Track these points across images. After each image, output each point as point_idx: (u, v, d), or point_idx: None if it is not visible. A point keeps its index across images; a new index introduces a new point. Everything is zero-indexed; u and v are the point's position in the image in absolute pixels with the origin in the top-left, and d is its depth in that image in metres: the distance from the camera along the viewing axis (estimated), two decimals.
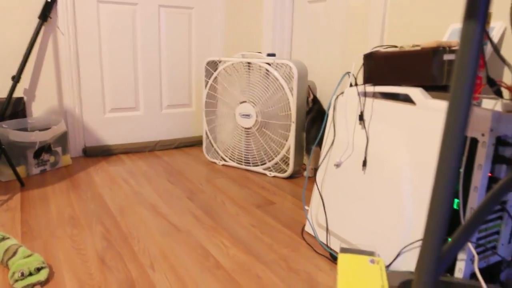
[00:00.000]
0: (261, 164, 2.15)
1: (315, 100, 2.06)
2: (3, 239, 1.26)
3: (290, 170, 2.03)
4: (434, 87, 1.18)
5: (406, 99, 1.20)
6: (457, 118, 0.53)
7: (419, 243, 1.05)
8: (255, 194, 1.85)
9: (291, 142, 1.99)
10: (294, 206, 1.73)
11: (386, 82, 1.25)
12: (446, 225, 0.53)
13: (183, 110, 2.75)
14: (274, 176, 2.11)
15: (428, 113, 1.08)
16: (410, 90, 1.14)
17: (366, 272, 0.91)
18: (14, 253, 1.20)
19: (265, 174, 2.14)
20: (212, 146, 2.35)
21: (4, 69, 2.17)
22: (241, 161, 2.22)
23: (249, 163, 2.20)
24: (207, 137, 2.35)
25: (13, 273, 1.12)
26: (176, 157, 2.47)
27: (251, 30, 2.51)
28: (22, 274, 1.11)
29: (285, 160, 2.06)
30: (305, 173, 2.11)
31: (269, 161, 2.11)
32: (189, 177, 2.08)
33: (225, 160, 2.30)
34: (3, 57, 2.16)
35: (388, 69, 1.23)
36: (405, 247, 1.08)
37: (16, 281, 1.11)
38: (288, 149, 2.01)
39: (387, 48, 1.30)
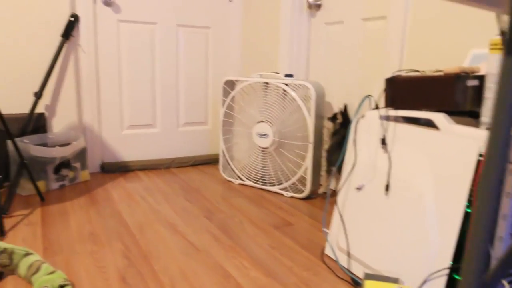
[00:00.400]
0: (278, 184, 2.15)
1: (344, 124, 2.02)
2: (27, 254, 1.27)
3: (307, 191, 2.03)
4: (456, 113, 1.18)
5: (428, 123, 1.21)
6: (498, 148, 0.54)
7: (446, 271, 1.04)
8: (273, 215, 1.85)
9: (308, 163, 2.00)
10: (311, 227, 1.72)
11: (408, 106, 1.25)
12: (488, 257, 0.53)
13: (199, 128, 2.78)
14: (291, 197, 2.11)
15: (452, 138, 1.08)
16: (433, 115, 1.15)
17: None
18: (38, 269, 1.21)
19: (281, 194, 2.14)
20: (229, 164, 2.37)
21: (27, 85, 2.22)
22: (258, 181, 2.23)
23: (266, 182, 2.20)
24: (224, 155, 2.37)
25: None
26: (192, 174, 2.48)
27: (268, 50, 2.55)
28: None
29: (302, 181, 2.07)
30: (326, 193, 2.11)
31: (286, 181, 2.11)
32: (206, 195, 2.09)
33: (241, 179, 2.31)
34: (26, 73, 2.21)
35: (410, 94, 1.24)
36: (431, 274, 1.07)
37: None
38: (306, 170, 2.02)
39: (408, 72, 1.31)
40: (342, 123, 2.03)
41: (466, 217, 1.06)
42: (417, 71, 1.29)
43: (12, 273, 1.27)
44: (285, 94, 2.06)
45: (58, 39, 2.25)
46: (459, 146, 1.06)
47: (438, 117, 1.12)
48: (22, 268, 1.23)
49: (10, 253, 1.25)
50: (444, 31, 1.57)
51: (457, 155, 1.06)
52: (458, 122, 1.12)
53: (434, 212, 1.10)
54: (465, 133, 1.05)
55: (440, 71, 1.20)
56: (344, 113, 2.03)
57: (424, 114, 1.18)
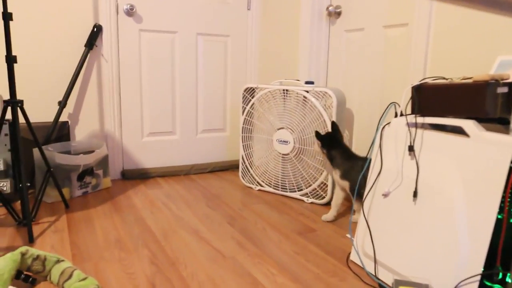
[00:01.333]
0: (298, 190, 2.16)
1: (328, 145, 1.84)
2: (58, 261, 1.30)
3: (328, 197, 2.03)
4: (485, 120, 1.18)
5: (455, 130, 1.21)
6: None
7: (478, 277, 1.04)
8: (295, 221, 1.85)
9: (329, 168, 2.00)
10: (335, 233, 1.72)
11: (436, 113, 1.26)
12: None
13: (218, 134, 2.80)
14: (311, 203, 2.11)
15: (483, 145, 1.08)
16: (463, 122, 1.15)
17: None
18: (70, 276, 1.23)
19: (302, 200, 2.15)
20: (249, 171, 2.38)
21: (51, 95, 2.27)
22: (278, 187, 2.24)
23: (286, 188, 2.21)
24: (244, 162, 2.38)
25: None
26: (212, 181, 2.50)
27: (287, 57, 2.57)
28: None
29: (322, 187, 2.07)
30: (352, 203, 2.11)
31: (307, 187, 2.12)
32: (227, 202, 2.11)
33: (261, 185, 2.32)
34: (51, 83, 2.26)
35: (438, 101, 1.25)
36: (462, 281, 1.07)
37: None
38: (326, 176, 2.02)
39: (435, 79, 1.31)
40: (325, 144, 1.84)
41: (497, 223, 1.05)
42: (444, 78, 1.30)
43: (45, 279, 1.30)
44: (305, 101, 2.07)
45: (81, 49, 2.30)
46: (491, 153, 1.06)
47: (469, 124, 1.12)
48: (55, 275, 1.26)
49: (43, 260, 1.27)
50: (469, 38, 1.57)
51: (489, 162, 1.06)
52: (488, 129, 1.12)
53: (465, 218, 1.10)
54: (497, 140, 1.05)
55: (468, 78, 1.20)
56: (329, 134, 1.84)
57: (454, 121, 1.18)
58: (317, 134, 1.84)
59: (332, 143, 1.82)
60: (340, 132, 1.85)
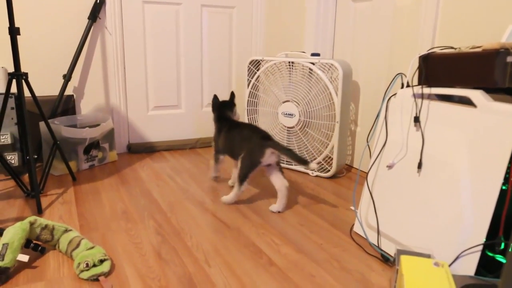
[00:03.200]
0: None
1: (219, 117, 1.92)
2: (66, 231, 1.32)
3: (333, 170, 2.03)
4: (493, 90, 1.16)
5: (462, 101, 1.19)
6: None
7: (480, 247, 1.04)
8: (299, 194, 1.86)
9: (334, 141, 2.00)
10: (339, 205, 1.73)
11: (443, 84, 1.23)
12: None
13: None
14: (316, 176, 2.11)
15: (490, 116, 1.06)
16: (470, 93, 1.13)
17: (432, 275, 0.91)
18: (78, 245, 1.26)
19: (307, 174, 2.15)
20: None
21: (55, 68, 2.26)
22: (283, 160, 2.24)
23: (291, 162, 2.21)
24: None
25: (79, 263, 1.18)
26: None
27: (293, 29, 2.52)
28: (87, 265, 1.17)
29: (327, 160, 2.07)
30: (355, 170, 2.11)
31: (312, 160, 2.12)
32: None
33: None
34: (55, 56, 2.25)
35: (446, 71, 1.22)
36: (464, 251, 1.07)
37: (82, 271, 1.17)
38: (332, 149, 2.02)
39: (443, 49, 1.28)
40: (217, 117, 1.91)
41: (501, 194, 1.05)
42: (453, 48, 1.26)
43: (53, 248, 1.33)
44: (311, 74, 2.04)
45: (85, 21, 2.28)
46: (498, 124, 1.04)
47: (476, 94, 1.10)
48: (63, 244, 1.28)
49: (51, 230, 1.30)
50: (480, 5, 1.52)
51: (495, 132, 1.05)
52: (496, 100, 1.10)
53: (469, 189, 1.09)
54: (504, 110, 1.03)
55: (478, 47, 1.17)
56: (223, 103, 1.92)
57: (460, 91, 1.16)
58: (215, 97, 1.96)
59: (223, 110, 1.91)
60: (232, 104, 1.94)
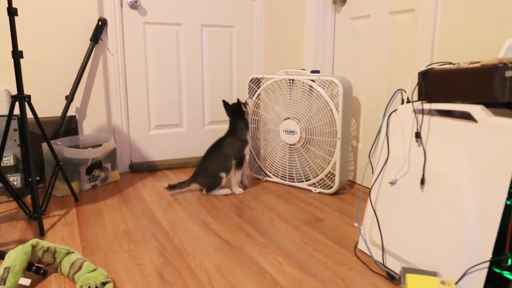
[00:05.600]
0: (306, 180, 2.15)
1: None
2: (68, 253, 1.31)
3: (335, 186, 2.03)
4: (493, 105, 1.16)
5: (462, 116, 1.19)
6: None
7: (486, 264, 1.03)
8: (302, 211, 1.85)
9: (336, 158, 1.99)
10: (342, 222, 1.72)
11: (443, 99, 1.24)
12: None
13: (224, 126, 2.79)
14: (319, 192, 2.11)
15: (491, 130, 1.06)
16: (471, 108, 1.13)
17: None
18: (80, 267, 1.25)
19: (309, 190, 2.14)
20: (256, 162, 2.38)
21: (58, 89, 2.28)
22: (285, 177, 2.24)
23: (293, 179, 2.21)
24: (250, 153, 2.38)
25: (81, 286, 1.17)
26: None
27: (292, 47, 2.55)
28: None
29: (330, 177, 2.06)
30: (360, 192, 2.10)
31: (314, 177, 2.11)
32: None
33: (268, 176, 2.32)
34: (57, 78, 2.27)
35: (445, 87, 1.23)
36: (470, 268, 1.06)
37: None
38: (334, 165, 2.01)
39: (442, 65, 1.29)
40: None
41: (506, 209, 1.04)
42: (451, 63, 1.27)
43: (55, 271, 1.32)
44: (311, 91, 2.06)
45: (87, 43, 2.31)
46: (499, 138, 1.04)
47: (476, 109, 1.11)
48: (65, 266, 1.27)
49: (53, 252, 1.29)
50: (477, 21, 1.54)
51: (497, 147, 1.05)
52: (497, 114, 1.10)
53: (473, 205, 1.09)
54: (505, 124, 1.03)
55: (476, 62, 1.18)
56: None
57: (461, 106, 1.16)
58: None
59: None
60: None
